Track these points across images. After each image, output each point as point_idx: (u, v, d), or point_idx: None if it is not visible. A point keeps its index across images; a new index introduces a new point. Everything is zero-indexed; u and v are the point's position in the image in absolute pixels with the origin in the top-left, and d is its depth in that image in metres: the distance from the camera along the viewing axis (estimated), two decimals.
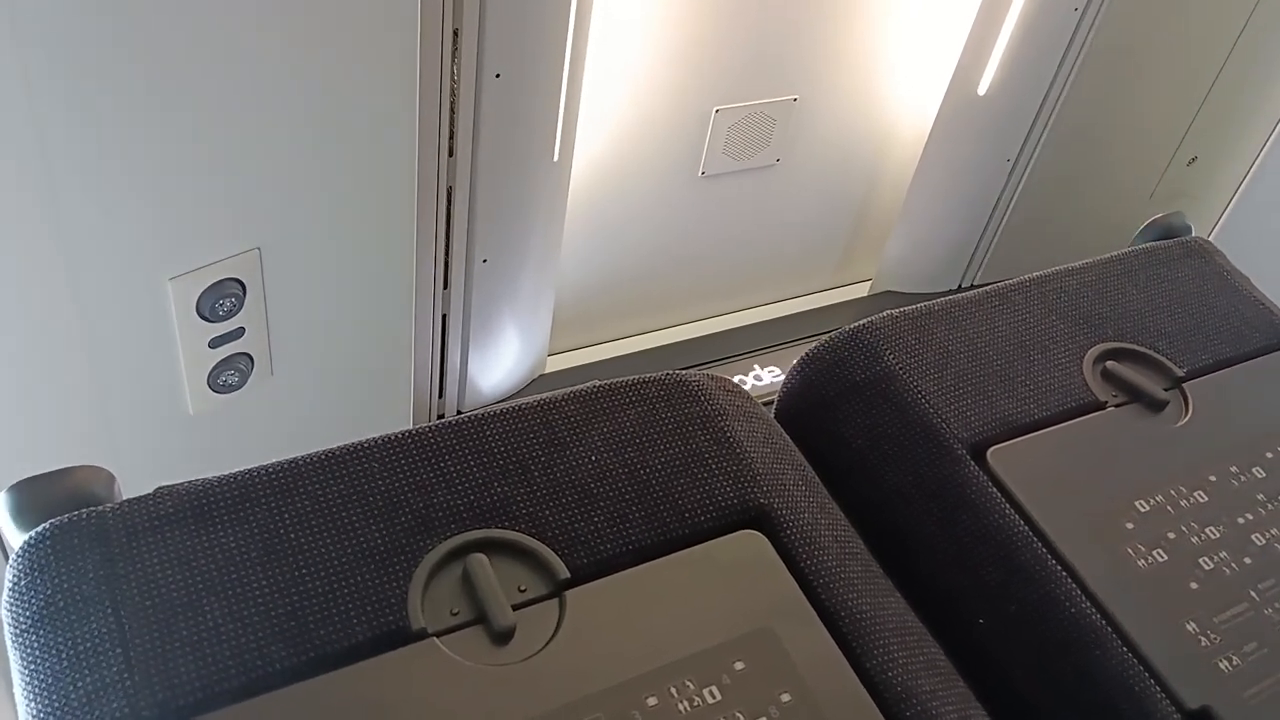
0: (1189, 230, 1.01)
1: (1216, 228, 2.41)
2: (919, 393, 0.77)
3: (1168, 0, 2.20)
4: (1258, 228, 2.31)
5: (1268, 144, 2.30)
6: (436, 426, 0.66)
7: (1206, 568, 0.72)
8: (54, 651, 0.54)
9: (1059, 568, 0.70)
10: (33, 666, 0.54)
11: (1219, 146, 2.52)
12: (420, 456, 0.64)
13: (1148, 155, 2.50)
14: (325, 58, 1.34)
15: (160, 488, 0.60)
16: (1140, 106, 2.38)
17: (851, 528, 0.73)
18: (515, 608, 0.60)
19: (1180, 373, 0.85)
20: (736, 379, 2.08)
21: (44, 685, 0.53)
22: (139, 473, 0.70)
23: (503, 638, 0.58)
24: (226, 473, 0.62)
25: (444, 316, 1.93)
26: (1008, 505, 0.73)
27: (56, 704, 0.52)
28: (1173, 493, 0.76)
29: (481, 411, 0.68)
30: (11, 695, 0.54)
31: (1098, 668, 0.67)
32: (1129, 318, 0.88)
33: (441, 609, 0.59)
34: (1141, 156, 2.50)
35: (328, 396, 1.72)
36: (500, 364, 2.12)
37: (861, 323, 0.82)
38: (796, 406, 0.84)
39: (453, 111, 1.67)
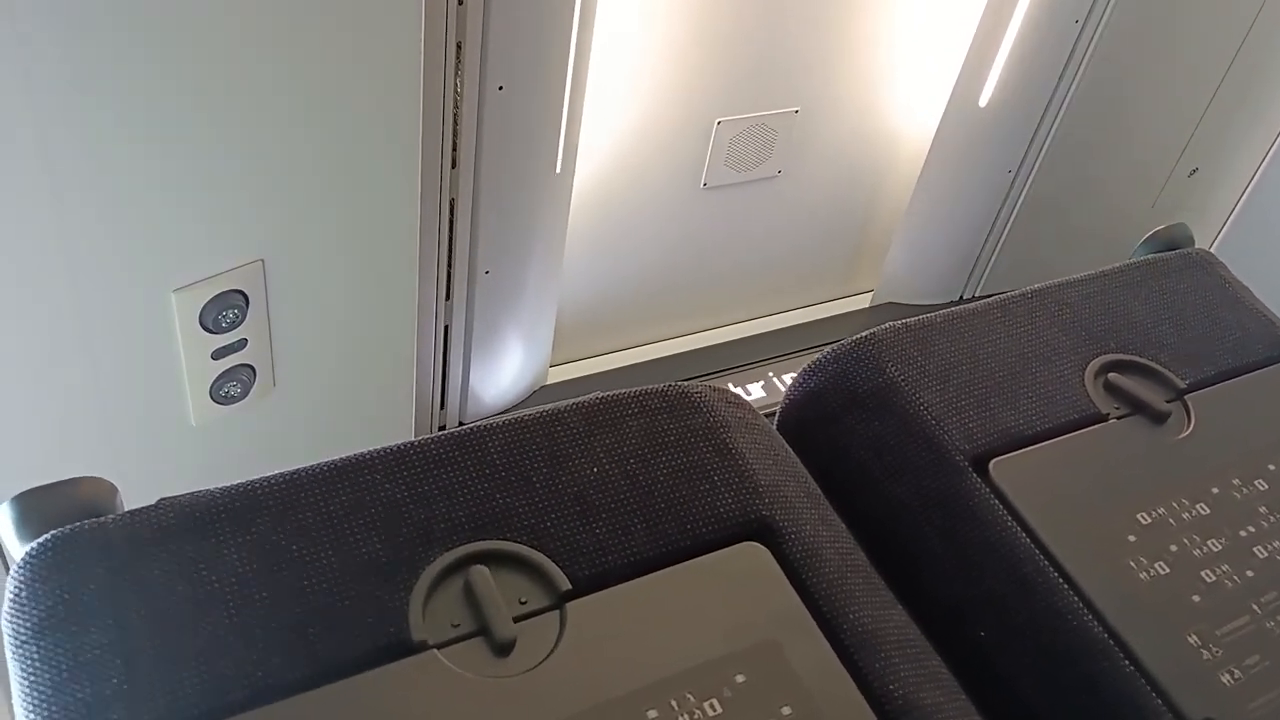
0: (1191, 242, 1.00)
1: (1218, 239, 2.41)
2: (921, 404, 0.77)
3: (1168, 12, 2.21)
4: (1259, 239, 2.31)
5: (1269, 155, 2.30)
6: (438, 438, 0.66)
7: (1209, 580, 0.72)
8: (54, 662, 0.54)
9: (1061, 580, 0.70)
10: (33, 677, 0.54)
11: (1220, 158, 2.52)
12: (422, 468, 0.64)
13: (1149, 167, 2.51)
14: (328, 70, 1.35)
15: (163, 499, 0.60)
16: (1141, 118, 2.39)
17: (853, 540, 0.73)
18: (516, 620, 0.60)
19: (1182, 385, 0.84)
20: (738, 390, 2.08)
21: (44, 696, 0.53)
22: (141, 484, 0.70)
23: (504, 650, 0.58)
24: (229, 484, 0.62)
25: (446, 328, 1.93)
26: (1009, 517, 0.73)
27: (56, 715, 0.52)
28: (1175, 505, 0.76)
29: (483, 423, 0.68)
30: (11, 706, 0.54)
31: (1100, 681, 0.67)
32: (1131, 330, 0.88)
33: (442, 621, 0.59)
34: (1142, 168, 2.50)
35: (330, 408, 1.72)
36: (502, 375, 2.12)
37: (863, 334, 0.82)
38: (798, 418, 0.84)
39: (455, 124, 1.67)
